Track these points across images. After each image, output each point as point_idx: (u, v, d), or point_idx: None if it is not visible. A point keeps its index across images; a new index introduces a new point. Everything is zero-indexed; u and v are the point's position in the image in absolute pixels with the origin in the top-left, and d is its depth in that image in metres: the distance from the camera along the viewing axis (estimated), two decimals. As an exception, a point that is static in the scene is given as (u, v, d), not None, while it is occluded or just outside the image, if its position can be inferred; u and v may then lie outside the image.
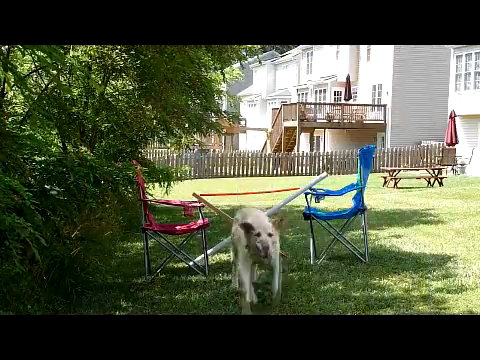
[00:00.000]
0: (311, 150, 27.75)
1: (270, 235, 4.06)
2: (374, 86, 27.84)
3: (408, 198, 12.00)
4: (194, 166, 23.31)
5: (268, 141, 30.78)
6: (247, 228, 4.11)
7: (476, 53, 21.04)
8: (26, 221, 2.99)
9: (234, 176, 23.77)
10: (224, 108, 14.86)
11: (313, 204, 5.87)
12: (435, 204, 10.51)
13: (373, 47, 27.27)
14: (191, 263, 5.50)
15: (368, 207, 6.20)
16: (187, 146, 12.03)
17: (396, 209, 9.92)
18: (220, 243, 6.23)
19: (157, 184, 9.92)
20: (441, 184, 15.38)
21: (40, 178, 4.42)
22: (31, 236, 2.92)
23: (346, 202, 8.06)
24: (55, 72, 4.52)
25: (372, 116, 27.09)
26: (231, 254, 5.05)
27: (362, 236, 5.90)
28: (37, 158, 4.58)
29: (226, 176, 23.96)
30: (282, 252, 6.02)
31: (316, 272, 5.24)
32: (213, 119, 11.93)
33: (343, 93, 28.61)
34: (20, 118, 5.86)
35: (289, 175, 23.84)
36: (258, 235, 4.05)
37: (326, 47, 30.45)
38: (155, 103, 8.48)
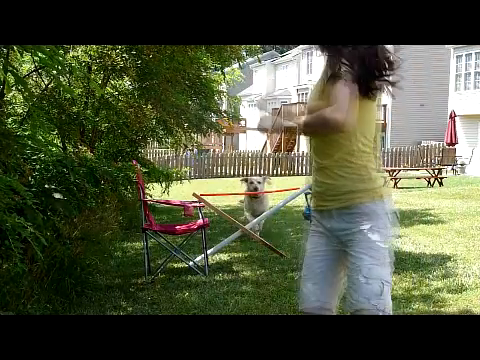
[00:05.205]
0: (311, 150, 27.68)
1: (259, 182, 7.05)
2: (374, 86, 27.80)
3: (408, 198, 12.00)
4: (194, 166, 23.30)
5: (268, 141, 30.78)
6: (245, 180, 7.32)
7: (476, 53, 21.05)
8: (27, 221, 2.99)
9: (234, 176, 23.75)
10: (224, 108, 14.82)
11: (313, 204, 5.88)
12: (435, 204, 10.51)
13: (373, 47, 27.23)
14: (191, 263, 5.50)
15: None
16: (186, 146, 12.01)
17: (396, 209, 9.90)
18: (220, 243, 6.23)
19: (157, 184, 9.94)
20: (441, 184, 15.38)
21: (40, 178, 4.42)
22: (32, 236, 2.92)
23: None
24: (55, 72, 4.51)
25: (372, 116, 27.05)
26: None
27: (362, 236, 5.90)
28: (37, 158, 4.57)
29: (226, 176, 23.94)
30: (281, 252, 6.05)
31: (316, 272, 5.24)
32: (213, 119, 11.92)
33: (343, 93, 28.53)
34: (20, 118, 5.86)
35: (289, 175, 23.84)
36: (251, 182, 7.09)
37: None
38: (155, 103, 8.48)
